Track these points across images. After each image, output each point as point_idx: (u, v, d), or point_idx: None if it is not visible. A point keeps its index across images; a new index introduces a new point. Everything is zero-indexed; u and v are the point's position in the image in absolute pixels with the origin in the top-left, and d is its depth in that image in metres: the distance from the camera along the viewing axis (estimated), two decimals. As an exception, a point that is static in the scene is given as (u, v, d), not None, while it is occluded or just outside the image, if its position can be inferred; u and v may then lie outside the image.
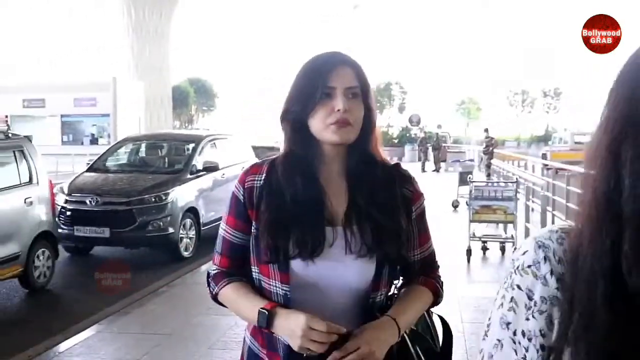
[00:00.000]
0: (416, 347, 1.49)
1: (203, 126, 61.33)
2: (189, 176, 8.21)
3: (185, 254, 7.82)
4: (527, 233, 7.16)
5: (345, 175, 1.45)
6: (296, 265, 1.38)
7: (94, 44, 39.80)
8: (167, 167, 8.83)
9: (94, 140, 29.11)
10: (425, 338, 1.53)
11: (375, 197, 1.42)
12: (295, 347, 1.33)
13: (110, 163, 9.01)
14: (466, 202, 9.55)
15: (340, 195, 1.43)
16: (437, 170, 25.19)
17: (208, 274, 1.51)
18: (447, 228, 9.72)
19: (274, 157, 1.48)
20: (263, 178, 1.44)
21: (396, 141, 38.74)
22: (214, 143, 9.22)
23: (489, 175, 18.51)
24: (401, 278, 1.54)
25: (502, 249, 7.57)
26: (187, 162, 8.45)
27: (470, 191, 7.32)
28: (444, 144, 29.53)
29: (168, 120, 41.49)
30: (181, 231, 7.75)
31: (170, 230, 7.55)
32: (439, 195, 14.72)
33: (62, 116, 29.17)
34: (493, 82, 70.62)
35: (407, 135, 37.92)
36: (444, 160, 25.72)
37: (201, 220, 8.22)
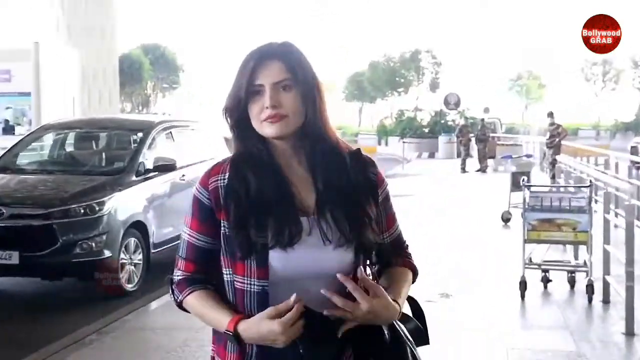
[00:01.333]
0: (403, 327, 1.97)
1: (163, 110, 61.50)
2: (134, 178, 8.17)
3: (128, 287, 7.77)
4: (606, 258, 7.02)
5: (307, 164, 1.92)
6: (275, 257, 1.81)
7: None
8: (103, 166, 8.81)
9: (8, 129, 28.79)
10: (411, 317, 2.04)
11: (341, 184, 1.89)
12: (282, 345, 1.77)
13: (24, 160, 8.96)
14: (521, 215, 9.48)
15: (306, 184, 1.90)
16: (482, 170, 25.26)
17: (171, 280, 1.96)
18: (493, 250, 9.77)
19: (232, 155, 1.94)
20: (227, 177, 1.89)
21: (426, 130, 38.66)
22: (170, 133, 9.19)
23: (554, 176, 18.42)
24: (369, 261, 2.02)
25: (571, 282, 7.48)
26: (131, 159, 8.41)
27: (525, 199, 7.22)
28: (492, 134, 29.51)
29: (114, 100, 41.70)
30: (122, 255, 7.70)
31: (107, 253, 7.48)
32: (484, 204, 14.75)
33: (-38, 95, 29.09)
34: (561, 49, 70.44)
35: (442, 122, 37.88)
36: (493, 157, 25.76)
37: (151, 240, 8.18)
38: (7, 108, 29.90)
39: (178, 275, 1.95)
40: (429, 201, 16.04)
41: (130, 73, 56.42)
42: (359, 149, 2.00)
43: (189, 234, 1.94)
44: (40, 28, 35.76)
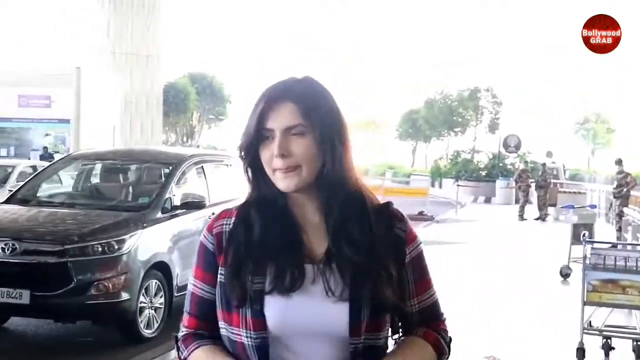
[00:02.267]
0: None
1: (207, 142, 62.15)
2: (159, 215, 8.08)
3: (147, 332, 7.64)
4: (676, 326, 6.62)
5: (322, 213, 1.85)
6: (272, 304, 1.77)
7: (51, 19, 40.46)
8: (128, 201, 8.76)
9: (46, 157, 29.39)
10: None
11: (356, 236, 1.81)
12: None
13: (44, 192, 8.91)
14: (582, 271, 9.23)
15: (318, 233, 1.84)
16: (542, 218, 24.95)
17: (176, 337, 1.93)
18: (549, 309, 9.53)
19: (244, 201, 1.92)
20: (232, 221, 1.88)
21: (483, 174, 38.31)
22: (202, 167, 9.15)
23: (620, 229, 17.92)
24: (398, 332, 1.94)
25: (637, 351, 7.15)
26: (158, 195, 8.31)
27: (585, 256, 6.94)
28: (554, 181, 29.00)
29: (157, 131, 42.10)
30: (142, 298, 7.57)
31: (125, 295, 7.34)
32: (542, 256, 14.42)
33: (0, 120, 29.68)
34: (632, 90, 69.53)
35: (500, 165, 37.58)
36: (554, 205, 25.29)
37: (175, 282, 8.05)
38: (47, 135, 30.58)
39: (183, 332, 1.92)
40: (482, 250, 15.81)
41: (175, 103, 57.19)
42: (387, 202, 1.94)
43: (193, 284, 1.91)
44: (83, 53, 36.42)
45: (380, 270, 1.81)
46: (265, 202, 1.86)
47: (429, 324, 1.94)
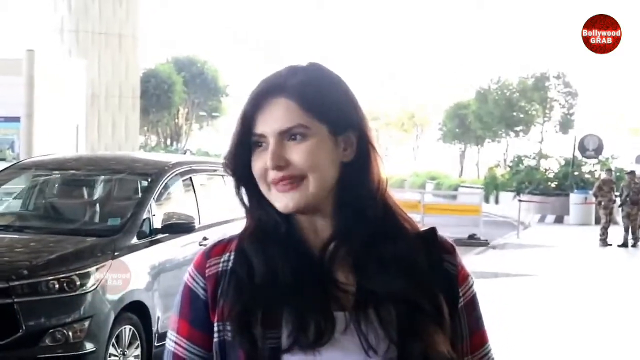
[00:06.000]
0: None
1: (198, 146, 62.35)
2: (134, 241, 8.18)
3: (118, 394, 7.74)
4: None
5: (342, 239, 1.81)
6: None
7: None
8: (95, 223, 8.81)
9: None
10: None
11: (395, 272, 1.76)
12: None
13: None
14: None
15: (344, 269, 1.78)
16: (632, 242, 24.91)
17: None
18: None
19: (242, 230, 1.87)
20: (232, 258, 1.81)
21: (553, 185, 38.25)
22: (190, 179, 9.26)
23: None
24: None
25: None
26: (132, 215, 8.39)
27: None
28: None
29: (133, 131, 42.15)
30: (112, 349, 7.65)
31: (89, 346, 7.41)
32: (633, 294, 14.25)
33: None
34: None
35: (576, 174, 37.48)
36: (646, 225, 25.07)
37: (155, 329, 8.16)
38: (-11, 137, 30.64)
39: None
40: (553, 285, 15.84)
41: (157, 95, 57.39)
42: (432, 228, 1.89)
43: (175, 342, 1.83)
44: (36, 33, 36.64)
45: (432, 317, 1.75)
46: (271, 231, 1.81)
47: None
